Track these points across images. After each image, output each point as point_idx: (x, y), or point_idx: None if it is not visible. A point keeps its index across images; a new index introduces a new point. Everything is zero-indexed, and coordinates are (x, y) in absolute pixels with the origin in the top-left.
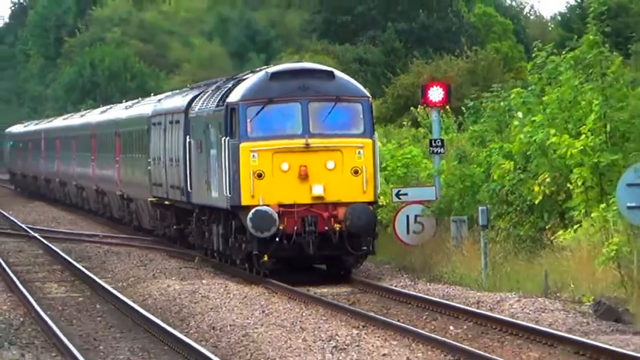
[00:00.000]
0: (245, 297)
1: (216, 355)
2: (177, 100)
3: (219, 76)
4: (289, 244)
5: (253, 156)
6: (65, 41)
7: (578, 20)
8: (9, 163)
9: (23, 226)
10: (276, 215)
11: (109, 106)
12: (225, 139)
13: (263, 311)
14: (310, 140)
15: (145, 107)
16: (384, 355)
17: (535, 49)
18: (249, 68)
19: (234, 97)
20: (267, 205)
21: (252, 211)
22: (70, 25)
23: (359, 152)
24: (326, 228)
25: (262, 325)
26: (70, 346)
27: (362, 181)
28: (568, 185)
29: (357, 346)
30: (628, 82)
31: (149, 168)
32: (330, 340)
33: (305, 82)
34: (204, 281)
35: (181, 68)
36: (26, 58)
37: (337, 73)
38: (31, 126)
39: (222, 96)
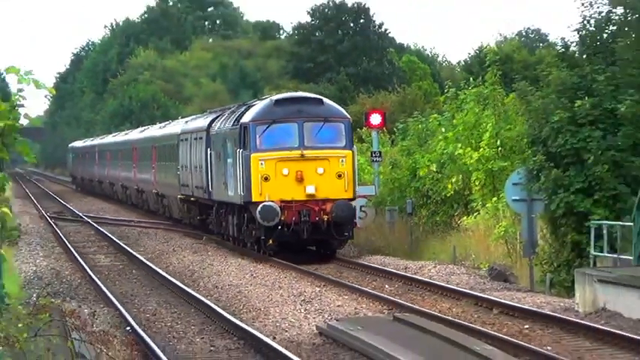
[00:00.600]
0: (239, 265)
1: (217, 306)
2: (199, 122)
3: (220, 107)
4: (289, 231)
5: (261, 163)
6: (110, 81)
7: (477, 65)
8: (71, 169)
9: (80, 214)
10: (279, 209)
11: (146, 127)
12: (239, 151)
13: (252, 275)
14: (305, 151)
15: (174, 127)
16: (338, 305)
17: (447, 86)
18: (243, 101)
19: (246, 118)
20: (272, 201)
21: (261, 205)
22: (113, 70)
23: (342, 161)
24: (317, 219)
25: (251, 284)
26: (114, 299)
27: (344, 183)
28: (470, 184)
29: (319, 299)
30: (514, 111)
31: (178, 173)
32: (299, 295)
33: (301, 107)
34: (209, 253)
35: (193, 101)
36: (81, 93)
37: (325, 100)
38: (88, 142)
39: (237, 118)
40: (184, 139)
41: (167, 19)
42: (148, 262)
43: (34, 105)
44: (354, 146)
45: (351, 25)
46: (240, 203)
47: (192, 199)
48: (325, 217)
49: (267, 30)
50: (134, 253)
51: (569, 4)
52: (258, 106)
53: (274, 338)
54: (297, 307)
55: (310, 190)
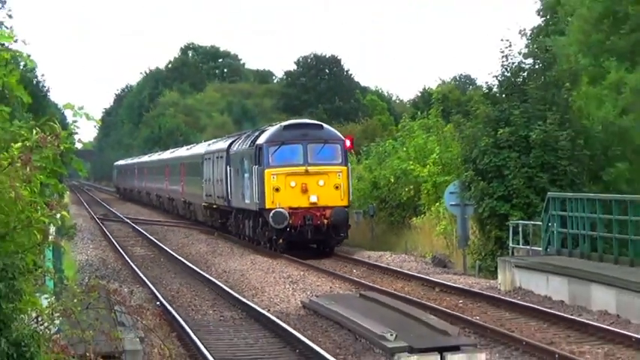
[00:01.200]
0: (242, 254)
1: (225, 286)
2: (220, 144)
3: (228, 135)
4: (295, 232)
5: (273, 177)
6: (143, 115)
7: (422, 103)
8: (116, 182)
9: (121, 215)
10: (288, 214)
11: (175, 149)
12: (255, 167)
13: (252, 262)
14: (309, 167)
15: (199, 149)
16: (317, 285)
17: (402, 118)
18: (245, 129)
19: (260, 140)
20: (282, 208)
21: (273, 211)
22: (146, 106)
23: (339, 174)
24: (318, 222)
25: (251, 269)
26: (147, 281)
27: (340, 193)
28: (420, 192)
29: (303, 280)
30: (451, 137)
31: (202, 185)
32: (288, 278)
33: (305, 131)
34: (219, 246)
35: (206, 129)
36: (122, 124)
37: (324, 125)
38: (129, 161)
39: (253, 140)
40: (208, 158)
41: (187, 67)
42: (173, 253)
43: (86, 133)
44: (349, 163)
45: (327, 71)
46: (255, 209)
47: (214, 206)
48: (325, 221)
49: (263, 76)
50: (162, 245)
51: (492, 56)
52: (270, 130)
53: (269, 310)
54: (286, 287)
55: (313, 199)
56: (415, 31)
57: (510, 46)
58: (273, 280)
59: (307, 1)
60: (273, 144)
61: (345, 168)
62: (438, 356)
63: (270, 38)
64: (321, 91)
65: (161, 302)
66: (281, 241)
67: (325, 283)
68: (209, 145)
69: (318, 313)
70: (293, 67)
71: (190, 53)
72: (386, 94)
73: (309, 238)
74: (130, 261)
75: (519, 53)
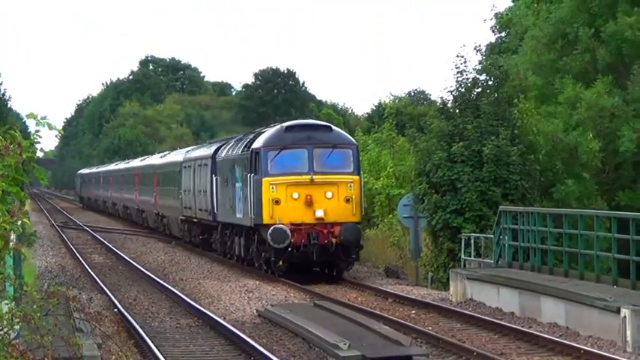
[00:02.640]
0: (198, 263)
1: (182, 294)
2: (203, 151)
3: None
4: (298, 253)
5: (272, 187)
6: (104, 125)
7: (377, 117)
8: (79, 191)
9: (81, 224)
10: (289, 232)
11: (146, 156)
12: (250, 175)
13: (209, 271)
14: (314, 176)
15: (176, 156)
16: (273, 294)
17: (356, 132)
18: (203, 141)
19: (257, 144)
20: (282, 224)
21: (272, 228)
22: (107, 117)
23: (350, 185)
24: (325, 241)
25: (208, 278)
26: (105, 288)
27: (352, 207)
28: (374, 204)
29: (258, 290)
30: (405, 151)
31: (180, 197)
32: (244, 287)
33: (310, 134)
34: (176, 254)
35: (166, 140)
36: (82, 134)
37: (333, 127)
38: (93, 169)
39: (247, 144)
40: (187, 166)
41: (147, 79)
42: (131, 261)
43: (48, 141)
44: (362, 172)
45: (284, 85)
46: (249, 225)
47: (194, 220)
48: (333, 240)
49: (222, 88)
50: (120, 253)
51: (446, 72)
52: (269, 132)
53: (225, 318)
54: (242, 296)
55: (319, 213)
56: (372, 46)
57: (465, 62)
58: (229, 288)
59: (267, 15)
60: (273, 148)
61: (358, 177)
62: None
63: (229, 52)
64: (277, 104)
65: (119, 309)
66: (281, 262)
67: (280, 292)
68: (188, 152)
69: (273, 322)
70: (251, 80)
71: (151, 65)
72: (341, 108)
73: (314, 260)
74: (88, 268)
75: (473, 69)
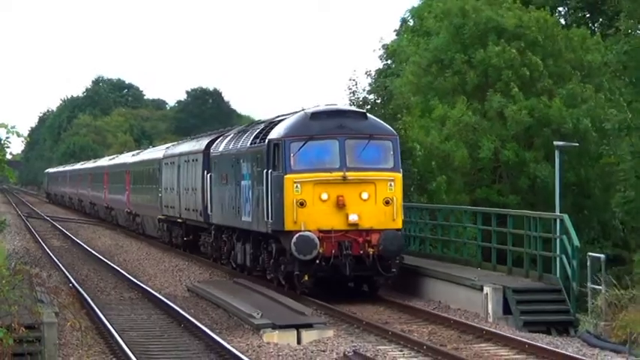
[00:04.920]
0: (139, 247)
1: (125, 272)
2: (191, 146)
3: (199, 134)
4: (328, 266)
5: (296, 187)
6: (61, 133)
7: None
8: (47, 188)
9: (43, 214)
10: (318, 240)
11: (115, 155)
12: (268, 172)
13: (147, 254)
14: (347, 173)
15: (152, 154)
16: (200, 273)
17: None
18: (144, 147)
19: (276, 134)
20: (309, 231)
21: (297, 235)
22: (64, 126)
23: (390, 185)
24: (360, 252)
25: (146, 259)
26: (62, 267)
27: (392, 211)
28: None
29: (188, 269)
30: None
31: (160, 195)
32: (176, 267)
33: (342, 122)
34: (120, 240)
35: (112, 147)
36: (44, 141)
37: (369, 115)
38: (60, 169)
39: (258, 135)
40: (169, 163)
41: (98, 96)
42: (83, 244)
43: (15, 146)
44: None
45: (211, 101)
46: (264, 231)
47: (179, 220)
48: (370, 251)
49: (159, 104)
50: (75, 238)
51: (340, 91)
52: (291, 120)
53: (160, 292)
54: (174, 274)
55: (353, 218)
56: (285, 66)
57: (357, 84)
58: (164, 268)
59: (199, 40)
60: (297, 139)
61: (399, 175)
62: (295, 331)
63: (166, 72)
64: (206, 118)
65: (73, 284)
66: (306, 277)
67: (206, 271)
68: (169, 148)
69: (199, 296)
70: (184, 96)
71: (101, 84)
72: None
73: (347, 275)
74: (48, 250)
75: (364, 90)
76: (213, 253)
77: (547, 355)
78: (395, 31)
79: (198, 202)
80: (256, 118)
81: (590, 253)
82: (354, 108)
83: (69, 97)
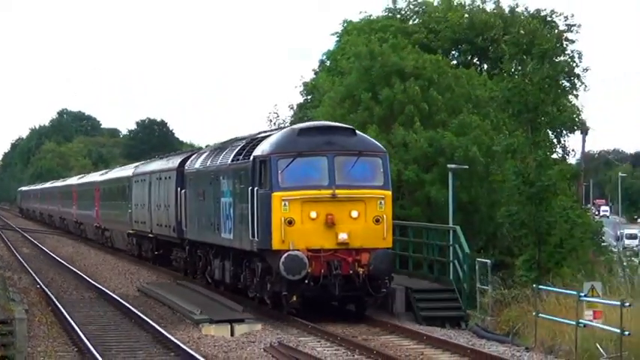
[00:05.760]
0: (96, 254)
1: (85, 275)
2: (162, 164)
3: (170, 153)
4: (316, 286)
5: (284, 204)
6: (30, 157)
7: None
8: (20, 204)
9: (16, 227)
10: (307, 259)
11: (83, 175)
12: (254, 189)
13: (103, 260)
14: (337, 191)
15: (121, 172)
16: (148, 276)
17: None
18: (102, 169)
19: (263, 150)
20: (297, 250)
21: (285, 255)
22: (33, 152)
23: (380, 203)
24: (350, 271)
25: (102, 264)
26: (30, 271)
27: (383, 229)
28: None
29: (138, 273)
30: None
31: (130, 211)
32: (128, 270)
33: (330, 138)
34: (81, 248)
35: (73, 169)
36: (16, 164)
37: (357, 131)
38: (32, 187)
39: (240, 151)
40: (140, 180)
41: (62, 125)
42: (49, 252)
43: None
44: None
45: (157, 130)
46: (248, 250)
47: (149, 235)
48: (360, 270)
49: (113, 132)
50: (42, 247)
51: (260, 121)
52: (278, 136)
53: (114, 292)
54: (126, 277)
55: (343, 237)
56: (222, 100)
57: (278, 116)
58: (118, 272)
59: (147, 74)
60: (285, 155)
61: (389, 193)
62: (229, 325)
63: (119, 105)
64: (154, 144)
65: (40, 286)
66: (294, 298)
67: (153, 274)
68: (138, 166)
69: (148, 295)
70: (134, 126)
71: (64, 115)
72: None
73: (336, 294)
74: (19, 257)
75: (284, 120)
76: (187, 267)
77: (442, 344)
78: (313, 70)
79: (172, 217)
80: (196, 145)
81: (479, 259)
82: (341, 124)
83: (37, 126)
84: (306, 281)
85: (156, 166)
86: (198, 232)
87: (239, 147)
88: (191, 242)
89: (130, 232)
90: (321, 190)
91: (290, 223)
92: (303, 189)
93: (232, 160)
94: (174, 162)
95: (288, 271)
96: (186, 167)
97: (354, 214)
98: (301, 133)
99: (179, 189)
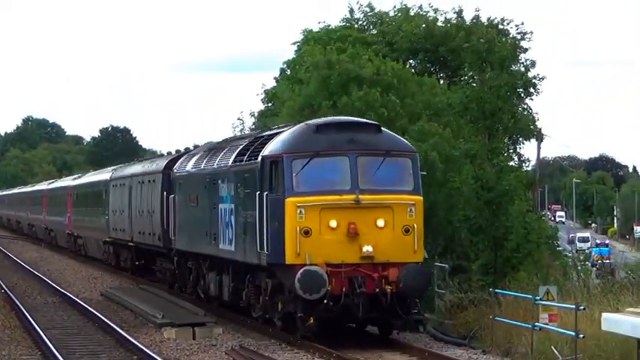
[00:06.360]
0: (59, 259)
1: (49, 280)
2: (145, 166)
3: (54, 179)
4: (337, 307)
5: (300, 212)
6: None
7: None
8: None
9: None
10: (326, 276)
11: (54, 180)
12: (262, 194)
13: (66, 264)
14: (361, 196)
15: (97, 176)
16: (111, 281)
17: None
18: (65, 175)
19: (273, 149)
20: (315, 265)
21: (302, 271)
22: None
23: (410, 210)
24: (376, 290)
25: (66, 269)
26: None
27: (413, 241)
28: None
29: (102, 278)
30: None
31: (106, 217)
32: (91, 275)
33: (352, 136)
34: (45, 253)
35: (38, 175)
36: None
37: (383, 128)
38: (4, 192)
39: (245, 152)
40: (119, 185)
41: (26, 133)
42: (13, 256)
43: None
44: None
45: (121, 137)
46: (255, 263)
47: (130, 243)
48: (388, 288)
49: (77, 139)
50: (6, 251)
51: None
52: (291, 133)
53: (78, 297)
54: (90, 282)
55: (367, 249)
56: (182, 107)
57: (243, 123)
58: (81, 276)
59: (108, 81)
60: (300, 155)
61: (420, 199)
62: (191, 329)
63: (84, 112)
64: (117, 151)
65: (5, 290)
66: (312, 320)
67: (116, 279)
68: (116, 169)
69: (111, 299)
70: (98, 133)
71: (29, 123)
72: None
73: (360, 317)
74: None
75: (249, 128)
76: (174, 280)
77: (401, 347)
78: (275, 78)
79: (156, 225)
80: (158, 152)
81: (437, 264)
82: (364, 120)
83: (2, 133)
84: (325, 301)
85: (137, 168)
86: (190, 241)
87: (241, 146)
88: (180, 252)
89: (107, 239)
90: (342, 196)
91: (306, 233)
92: (321, 194)
93: (235, 162)
94: (158, 164)
95: (305, 290)
96: (174, 170)
97: (380, 223)
98: (319, 129)
99: (165, 193)
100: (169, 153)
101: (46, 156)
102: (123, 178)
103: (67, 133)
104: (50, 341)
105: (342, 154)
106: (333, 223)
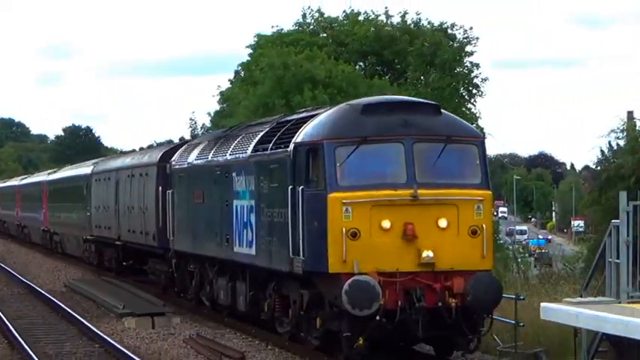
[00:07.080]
0: (26, 253)
1: (15, 272)
2: (135, 158)
3: (23, 175)
4: (392, 324)
5: (346, 210)
6: None
7: None
8: None
9: None
10: (379, 287)
11: (27, 175)
12: (295, 189)
13: (33, 257)
14: (419, 190)
15: (78, 170)
16: (74, 273)
17: None
18: (31, 172)
19: (308, 135)
20: (365, 274)
21: (350, 281)
22: None
23: (478, 207)
24: (438, 303)
25: (32, 262)
26: None
27: (481, 244)
28: None
29: (65, 270)
30: None
31: (88, 214)
32: (55, 268)
33: (407, 117)
34: (11, 246)
35: (5, 172)
36: None
37: (443, 109)
38: None
39: (269, 138)
40: (104, 179)
41: None
42: None
43: None
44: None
45: (83, 136)
46: (286, 271)
47: (116, 242)
48: (453, 302)
49: (42, 138)
50: None
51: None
52: (331, 115)
53: (42, 288)
54: (54, 274)
55: (428, 255)
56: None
57: (195, 123)
58: (46, 269)
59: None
60: (345, 142)
61: (489, 194)
62: (150, 319)
63: (48, 111)
64: (79, 150)
65: None
66: (361, 341)
67: (80, 272)
68: (98, 163)
69: (74, 291)
70: (61, 132)
71: None
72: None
73: (419, 335)
74: None
75: (202, 127)
76: (171, 283)
77: None
78: (229, 80)
79: (150, 223)
80: (118, 150)
81: None
82: (421, 100)
83: None
84: (378, 317)
85: (126, 161)
86: (193, 242)
87: (262, 133)
88: (179, 254)
89: (89, 237)
90: (397, 190)
91: (354, 235)
92: (371, 188)
93: (255, 151)
94: (152, 156)
95: (354, 304)
96: (173, 162)
97: (443, 223)
98: (366, 110)
99: (161, 188)
100: (151, 146)
101: (11, 154)
102: (107, 172)
103: (31, 132)
104: (17, 331)
105: (396, 139)
106: (386, 224)
